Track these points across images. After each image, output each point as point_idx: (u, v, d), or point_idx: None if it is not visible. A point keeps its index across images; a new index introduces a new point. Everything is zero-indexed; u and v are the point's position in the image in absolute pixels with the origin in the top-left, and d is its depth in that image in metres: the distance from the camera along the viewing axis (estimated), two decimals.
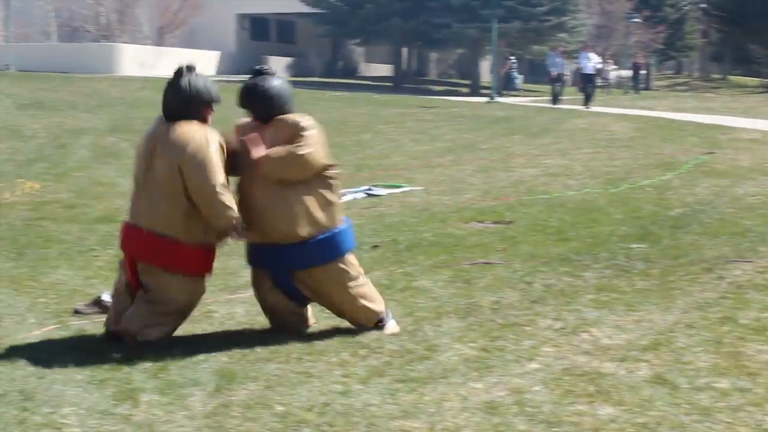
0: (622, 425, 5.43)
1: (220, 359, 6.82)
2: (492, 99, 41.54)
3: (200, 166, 6.98)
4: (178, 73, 7.22)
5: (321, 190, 7.33)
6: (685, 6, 73.93)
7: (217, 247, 7.41)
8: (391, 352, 6.95)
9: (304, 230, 7.26)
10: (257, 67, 7.63)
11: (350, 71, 60.47)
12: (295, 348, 7.08)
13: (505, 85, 50.84)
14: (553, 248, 10.49)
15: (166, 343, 7.09)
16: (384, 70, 62.46)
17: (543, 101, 41.60)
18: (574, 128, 26.35)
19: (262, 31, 61.21)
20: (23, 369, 6.59)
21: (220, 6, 56.09)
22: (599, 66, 41.48)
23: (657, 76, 72.08)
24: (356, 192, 15.65)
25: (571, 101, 38.62)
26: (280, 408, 5.81)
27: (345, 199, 14.98)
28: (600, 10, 62.26)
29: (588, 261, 9.83)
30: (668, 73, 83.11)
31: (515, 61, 52.85)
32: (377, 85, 50.29)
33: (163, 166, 7.10)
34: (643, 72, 59.13)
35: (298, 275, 7.41)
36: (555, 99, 39.23)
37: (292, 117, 7.39)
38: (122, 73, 44.90)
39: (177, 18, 54.54)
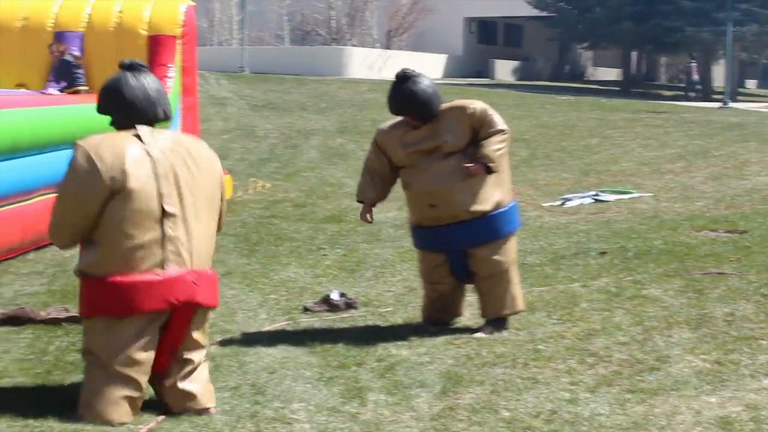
0: None
1: (446, 362, 6.85)
2: (725, 104, 40.50)
3: None
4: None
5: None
6: None
7: None
8: (620, 362, 6.84)
9: (487, 204, 7.50)
10: (403, 71, 7.57)
11: (577, 75, 59.86)
12: (521, 353, 7.06)
13: (688, 87, 49.48)
14: None
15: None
16: (612, 74, 61.66)
17: None
18: None
19: (489, 34, 61.23)
20: (255, 363, 6.76)
21: (448, 10, 56.33)
22: None
23: None
24: (583, 197, 15.49)
25: None
26: (506, 413, 5.80)
27: (571, 204, 14.89)
28: None
29: None
30: None
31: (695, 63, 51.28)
32: (605, 90, 49.70)
33: None
34: None
35: (471, 253, 7.57)
36: None
37: (459, 104, 7.69)
38: (351, 75, 45.62)
39: (405, 21, 55.11)
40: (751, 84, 68.07)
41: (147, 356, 5.62)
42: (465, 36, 58.31)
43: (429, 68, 38.69)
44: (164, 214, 5.61)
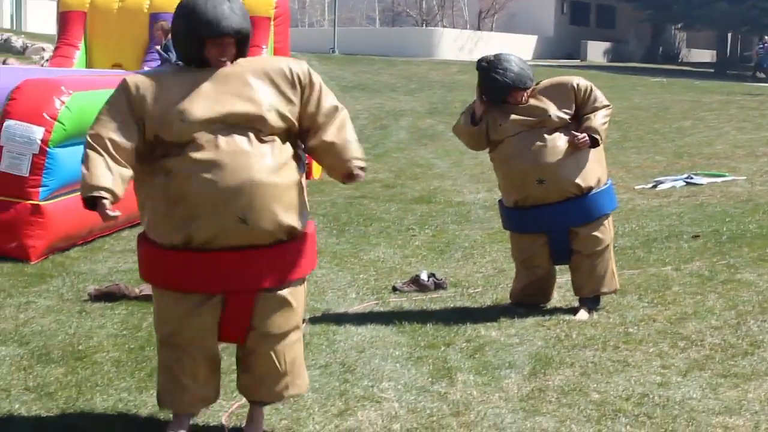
0: None
1: (535, 343, 6.83)
2: None
3: None
4: None
5: None
6: None
7: None
8: (712, 346, 6.77)
9: (592, 180, 7.51)
10: (491, 56, 7.55)
11: (671, 57, 59.11)
12: (611, 336, 7.01)
13: (757, 67, 48.55)
14: None
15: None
16: (707, 56, 60.86)
17: None
18: None
19: (581, 15, 60.77)
20: (344, 342, 6.80)
21: None
22: None
23: None
24: (675, 180, 15.32)
25: None
26: (596, 395, 5.77)
27: (663, 186, 14.74)
28: None
29: None
30: None
31: (764, 44, 50.23)
32: (699, 71, 49.09)
33: None
34: None
35: (575, 232, 7.59)
36: None
37: (560, 79, 7.68)
38: (441, 57, 45.58)
39: (497, 2, 54.93)
40: None
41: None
42: (557, 17, 57.91)
43: (520, 49, 38.41)
44: None
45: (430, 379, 6.05)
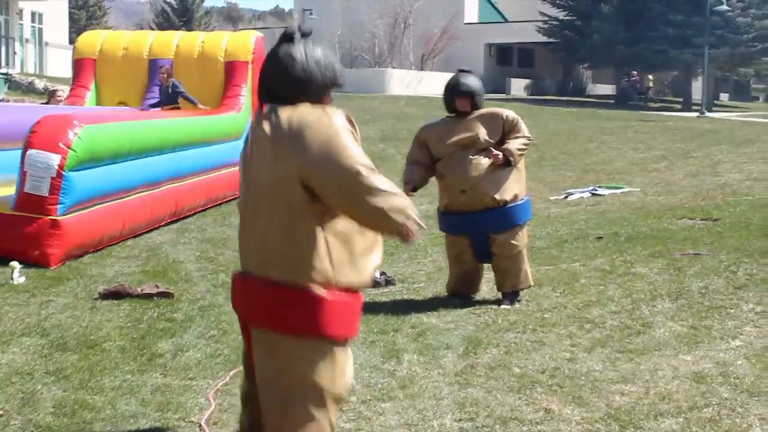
0: None
1: (468, 328, 6.86)
2: (702, 114, 40.11)
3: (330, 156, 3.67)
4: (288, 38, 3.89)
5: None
6: None
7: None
8: (611, 327, 6.83)
9: (507, 195, 7.49)
10: (461, 68, 7.64)
11: (579, 90, 59.42)
12: (530, 321, 7.06)
13: (627, 98, 49.78)
14: (755, 242, 10.03)
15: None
16: (608, 89, 61.27)
17: (748, 116, 39.91)
18: None
19: (506, 57, 61.03)
20: None
21: (472, 37, 56.28)
22: None
23: None
24: (583, 192, 15.44)
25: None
26: (517, 370, 5.81)
27: (573, 197, 14.83)
28: None
29: None
30: None
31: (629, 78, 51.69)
32: (602, 102, 49.37)
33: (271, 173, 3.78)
34: None
35: (493, 237, 7.59)
36: None
37: (494, 110, 7.63)
38: (391, 92, 45.55)
39: (437, 47, 55.05)
40: (723, 97, 67.36)
41: (244, 362, 4.14)
42: (486, 58, 58.14)
43: None
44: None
45: (381, 359, 6.06)
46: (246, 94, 14.83)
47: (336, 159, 3.58)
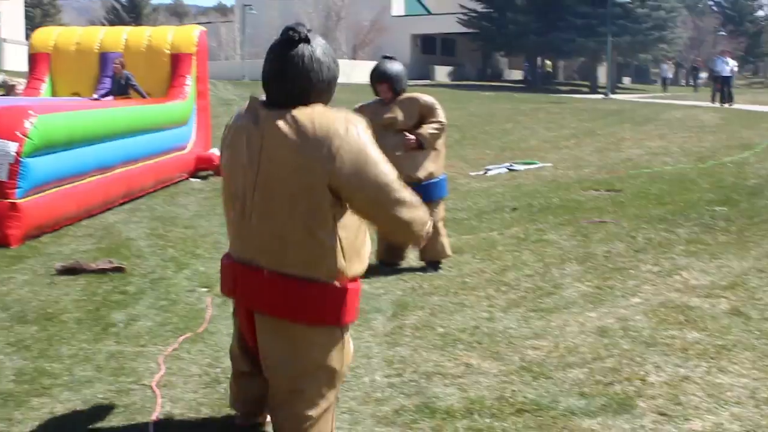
0: (705, 346, 5.27)
1: (396, 293, 6.87)
2: (606, 96, 40.60)
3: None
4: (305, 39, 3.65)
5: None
6: (762, 21, 71.35)
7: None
8: (525, 289, 6.89)
9: (422, 173, 7.42)
10: (385, 54, 7.60)
11: (497, 76, 59.83)
12: (452, 285, 7.09)
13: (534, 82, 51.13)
14: (653, 210, 10.21)
15: None
16: (522, 74, 61.74)
17: (647, 97, 40.45)
18: (671, 118, 25.55)
19: (430, 47, 61.11)
20: None
21: (399, 29, 56.29)
22: (735, 69, 33.82)
23: (738, 77, 69.39)
24: (500, 168, 15.52)
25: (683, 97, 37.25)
26: (441, 329, 5.83)
27: (492, 173, 14.91)
28: (693, 26, 60.30)
29: (681, 220, 9.54)
30: (747, 75, 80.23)
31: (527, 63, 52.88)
32: (517, 87, 49.71)
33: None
34: (703, 75, 55.22)
35: None
36: (725, 98, 32.09)
37: (417, 95, 7.51)
38: None
39: (367, 38, 54.96)
40: (626, 80, 68.21)
41: (232, 344, 4.10)
42: (412, 48, 58.17)
43: None
44: (234, 200, 3.73)
45: None
46: (191, 83, 14.65)
47: (367, 172, 3.51)
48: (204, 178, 14.35)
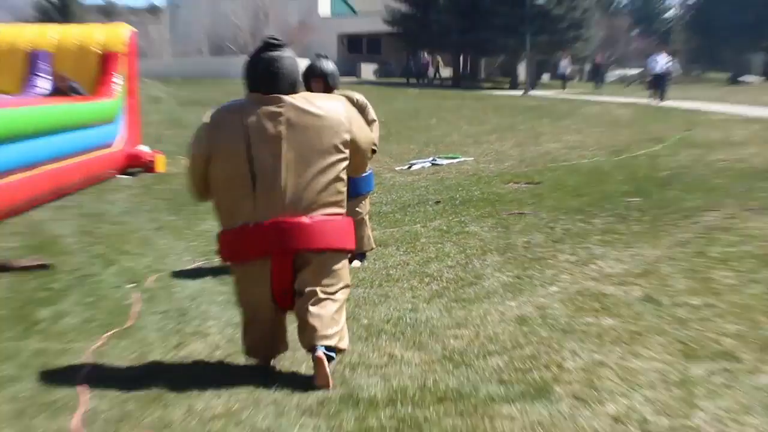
0: (620, 332, 5.31)
1: None
2: (526, 92, 41.00)
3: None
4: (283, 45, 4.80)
5: None
6: (670, 22, 73.11)
7: None
8: (448, 280, 6.88)
9: None
10: (318, 53, 7.47)
11: (421, 73, 59.91)
12: (377, 277, 7.06)
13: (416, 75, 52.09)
14: (570, 202, 10.31)
15: None
16: (446, 72, 61.97)
17: (563, 94, 40.98)
18: (588, 113, 25.92)
19: (356, 45, 61.01)
20: (180, 292, 6.64)
21: (326, 29, 56.12)
22: (669, 65, 32.79)
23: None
24: (424, 162, 15.56)
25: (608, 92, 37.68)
26: (365, 321, 5.79)
27: (416, 167, 14.93)
28: (607, 25, 61.27)
29: (596, 211, 9.65)
30: None
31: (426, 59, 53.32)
32: (441, 84, 49.93)
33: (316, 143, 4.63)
34: (617, 73, 55.58)
35: None
36: (662, 94, 31.28)
37: (347, 92, 7.33)
38: None
39: (295, 37, 54.60)
40: (545, 77, 68.97)
41: (257, 298, 4.75)
42: (338, 47, 58.00)
43: None
44: (253, 175, 4.51)
45: None
46: (120, 82, 14.36)
47: (365, 131, 4.91)
48: (133, 174, 14.10)
